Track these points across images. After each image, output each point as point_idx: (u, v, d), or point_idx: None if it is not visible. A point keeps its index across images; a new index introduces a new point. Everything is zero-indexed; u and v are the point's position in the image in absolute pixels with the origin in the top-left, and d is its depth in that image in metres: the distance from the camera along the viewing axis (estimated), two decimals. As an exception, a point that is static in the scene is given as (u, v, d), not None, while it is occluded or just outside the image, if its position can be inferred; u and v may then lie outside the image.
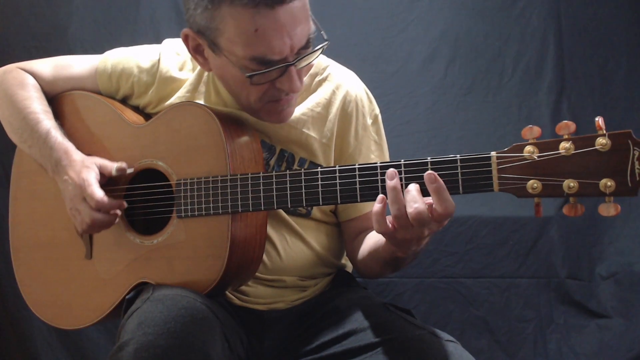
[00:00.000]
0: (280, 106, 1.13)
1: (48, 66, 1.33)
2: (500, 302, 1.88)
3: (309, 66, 1.13)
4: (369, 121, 1.27)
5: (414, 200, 0.91)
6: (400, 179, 0.94)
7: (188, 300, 0.98)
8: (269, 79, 1.06)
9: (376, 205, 0.94)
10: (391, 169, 0.94)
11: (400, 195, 0.92)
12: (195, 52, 1.13)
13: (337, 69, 1.29)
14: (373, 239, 1.15)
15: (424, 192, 0.92)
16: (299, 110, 1.22)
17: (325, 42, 1.08)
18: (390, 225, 0.94)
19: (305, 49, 1.06)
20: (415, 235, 0.94)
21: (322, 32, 1.08)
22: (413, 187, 0.92)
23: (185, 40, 1.12)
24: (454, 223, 1.90)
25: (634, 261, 1.86)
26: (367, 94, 1.30)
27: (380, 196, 0.94)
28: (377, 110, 1.30)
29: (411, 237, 0.94)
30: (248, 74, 1.03)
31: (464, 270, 1.89)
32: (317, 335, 1.15)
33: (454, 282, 1.90)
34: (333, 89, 1.25)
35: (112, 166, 1.17)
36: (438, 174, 0.91)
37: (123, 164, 1.17)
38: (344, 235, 1.30)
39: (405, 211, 0.91)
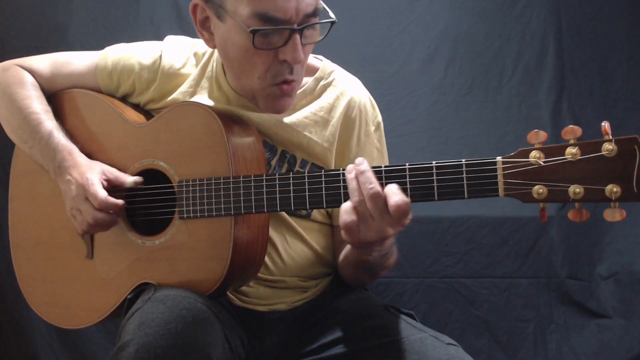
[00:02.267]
0: (282, 91, 1.12)
1: (46, 63, 1.31)
2: (500, 302, 1.88)
3: (311, 46, 1.12)
4: (372, 128, 1.27)
5: (369, 181, 0.91)
6: (405, 183, 0.94)
7: (189, 301, 0.98)
8: (273, 46, 1.05)
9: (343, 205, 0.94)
10: (350, 166, 0.95)
11: (356, 184, 0.92)
12: (202, 27, 1.14)
13: (342, 74, 1.28)
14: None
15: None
16: (302, 114, 1.22)
17: (332, 19, 1.08)
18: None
19: (312, 18, 1.06)
20: (377, 230, 0.92)
21: (330, 12, 1.08)
22: (394, 185, 0.92)
23: (194, 13, 1.13)
24: (454, 223, 1.91)
25: (634, 261, 1.86)
26: (370, 101, 1.29)
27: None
28: (380, 118, 1.30)
29: (374, 236, 0.93)
30: (251, 29, 1.02)
31: (464, 270, 1.89)
32: (317, 337, 1.15)
33: (454, 282, 1.90)
34: (337, 94, 1.24)
35: (126, 179, 1.16)
36: (443, 178, 0.91)
37: (139, 178, 1.17)
38: (335, 240, 1.29)
39: (364, 198, 0.91)
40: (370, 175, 0.92)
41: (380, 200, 0.90)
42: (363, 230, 0.93)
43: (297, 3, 1.02)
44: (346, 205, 0.94)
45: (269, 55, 1.07)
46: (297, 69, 1.11)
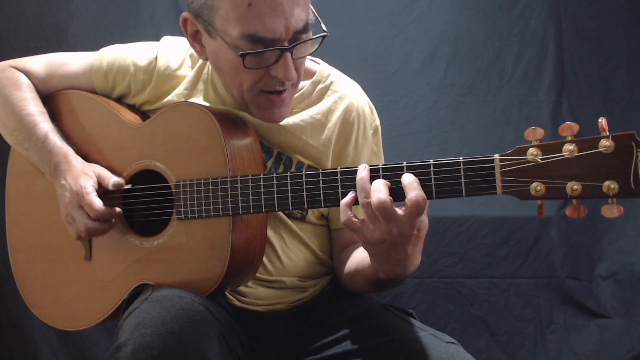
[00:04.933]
0: (273, 103, 1.11)
1: (41, 64, 1.30)
2: (500, 302, 1.89)
3: (304, 59, 1.11)
4: (370, 132, 1.26)
5: (378, 190, 0.89)
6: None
7: (186, 301, 0.98)
8: (263, 64, 1.05)
9: (347, 197, 0.94)
10: (363, 164, 0.94)
11: (367, 185, 0.91)
12: (193, 39, 1.13)
13: (340, 78, 1.27)
14: (362, 254, 1.14)
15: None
16: (299, 117, 1.21)
17: (324, 34, 1.06)
18: (356, 221, 0.92)
19: (302, 34, 1.04)
20: (386, 234, 0.90)
21: (322, 25, 1.06)
22: (379, 180, 0.91)
23: (184, 26, 1.12)
24: (454, 223, 1.91)
25: (634, 261, 1.86)
26: (369, 104, 1.29)
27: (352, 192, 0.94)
28: (378, 122, 1.30)
29: (381, 236, 0.91)
30: (240, 53, 1.01)
31: (464, 270, 1.90)
32: (317, 336, 1.15)
33: (454, 282, 1.90)
34: (336, 98, 1.23)
35: (110, 180, 1.15)
36: (441, 177, 0.91)
37: (121, 180, 1.16)
38: (333, 245, 1.29)
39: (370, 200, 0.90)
40: (382, 186, 0.91)
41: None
42: (370, 229, 0.91)
43: (286, 21, 1.00)
44: (343, 203, 0.93)
45: (260, 70, 1.06)
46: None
